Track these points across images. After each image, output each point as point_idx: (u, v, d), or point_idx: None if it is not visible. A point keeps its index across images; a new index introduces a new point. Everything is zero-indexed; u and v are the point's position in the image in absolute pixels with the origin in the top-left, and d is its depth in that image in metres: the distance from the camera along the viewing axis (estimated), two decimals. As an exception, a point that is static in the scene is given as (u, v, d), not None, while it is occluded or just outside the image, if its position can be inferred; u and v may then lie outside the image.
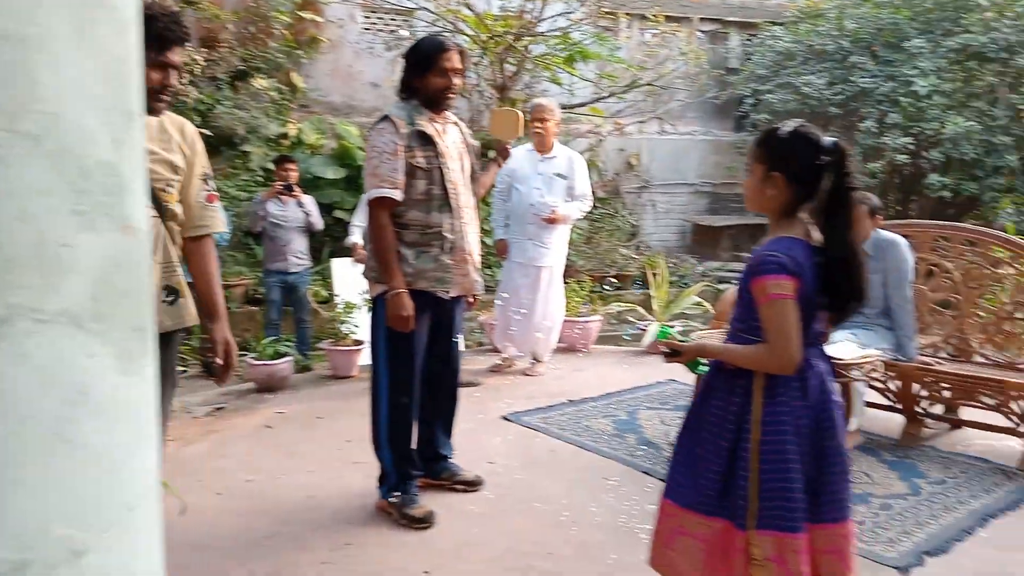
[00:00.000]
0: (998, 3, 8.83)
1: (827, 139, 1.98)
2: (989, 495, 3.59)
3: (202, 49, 8.37)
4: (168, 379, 2.40)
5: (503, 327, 5.67)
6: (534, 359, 5.68)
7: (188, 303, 2.39)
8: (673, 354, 2.16)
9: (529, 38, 8.21)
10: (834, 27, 9.90)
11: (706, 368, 2.16)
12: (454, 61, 3.16)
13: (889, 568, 2.91)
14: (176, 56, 2.18)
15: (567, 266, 8.46)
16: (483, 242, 8.90)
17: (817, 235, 2.01)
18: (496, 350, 6.21)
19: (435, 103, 3.19)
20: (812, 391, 1.99)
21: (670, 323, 6.16)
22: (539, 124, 5.26)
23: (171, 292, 2.31)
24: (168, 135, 2.30)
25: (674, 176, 11.77)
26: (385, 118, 3.15)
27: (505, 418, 4.63)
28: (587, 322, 6.46)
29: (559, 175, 5.31)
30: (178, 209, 2.34)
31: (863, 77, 9.24)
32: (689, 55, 10.07)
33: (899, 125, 8.83)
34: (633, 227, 11.13)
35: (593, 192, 10.51)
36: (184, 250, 2.42)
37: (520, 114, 3.69)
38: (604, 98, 9.45)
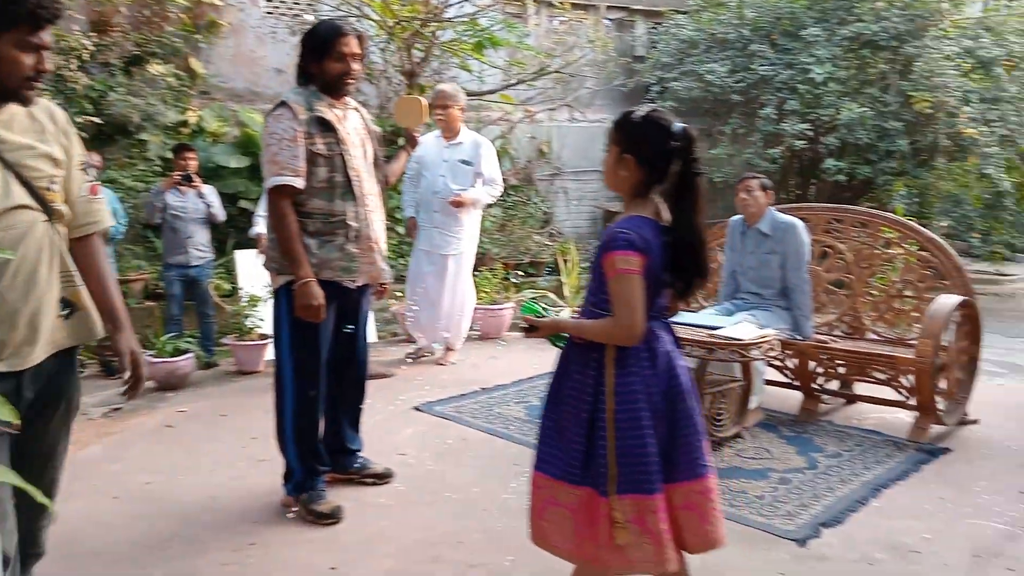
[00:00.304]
0: (888, -7, 9.20)
1: (677, 125, 2.05)
2: (881, 466, 3.76)
3: (91, 34, 7.98)
4: (67, 406, 2.14)
5: (414, 316, 5.63)
6: (447, 348, 5.65)
7: (89, 316, 2.10)
8: (531, 329, 2.24)
9: (436, 24, 8.12)
10: (735, 16, 10.13)
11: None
12: (352, 46, 3.09)
13: (787, 540, 3.01)
14: (49, 36, 1.97)
15: (481, 254, 8.47)
16: (395, 230, 8.82)
17: (667, 215, 2.10)
18: (410, 340, 6.17)
19: (333, 89, 3.12)
20: (660, 359, 2.09)
21: (534, 299, 6.22)
22: (440, 111, 5.23)
23: (67, 305, 2.04)
24: (40, 124, 2.00)
25: (585, 163, 11.86)
26: (282, 104, 3.06)
27: (417, 408, 4.60)
28: (500, 310, 6.47)
29: (464, 161, 5.27)
30: (64, 209, 2.05)
31: (763, 65, 9.49)
32: (596, 43, 10.15)
33: (797, 112, 9.11)
34: (546, 214, 11.18)
35: (505, 180, 10.53)
36: (70, 252, 2.11)
37: (423, 101, 3.66)
38: (513, 85, 9.44)
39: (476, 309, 6.04)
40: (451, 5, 8.11)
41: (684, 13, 10.98)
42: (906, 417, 4.27)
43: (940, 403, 4.12)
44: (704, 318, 4.04)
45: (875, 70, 9.24)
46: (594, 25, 10.48)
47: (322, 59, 3.07)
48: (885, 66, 9.20)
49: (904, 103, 8.92)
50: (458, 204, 5.21)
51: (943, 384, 4.14)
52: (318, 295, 3.02)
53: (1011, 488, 3.51)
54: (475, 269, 6.37)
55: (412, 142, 3.63)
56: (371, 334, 6.09)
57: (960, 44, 9.12)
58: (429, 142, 5.32)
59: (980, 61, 9.10)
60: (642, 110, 2.11)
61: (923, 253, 4.53)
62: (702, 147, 11.60)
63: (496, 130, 10.06)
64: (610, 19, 11.61)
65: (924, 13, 8.98)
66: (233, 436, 4.12)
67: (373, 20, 8.00)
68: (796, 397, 4.56)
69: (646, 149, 2.07)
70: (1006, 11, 10.12)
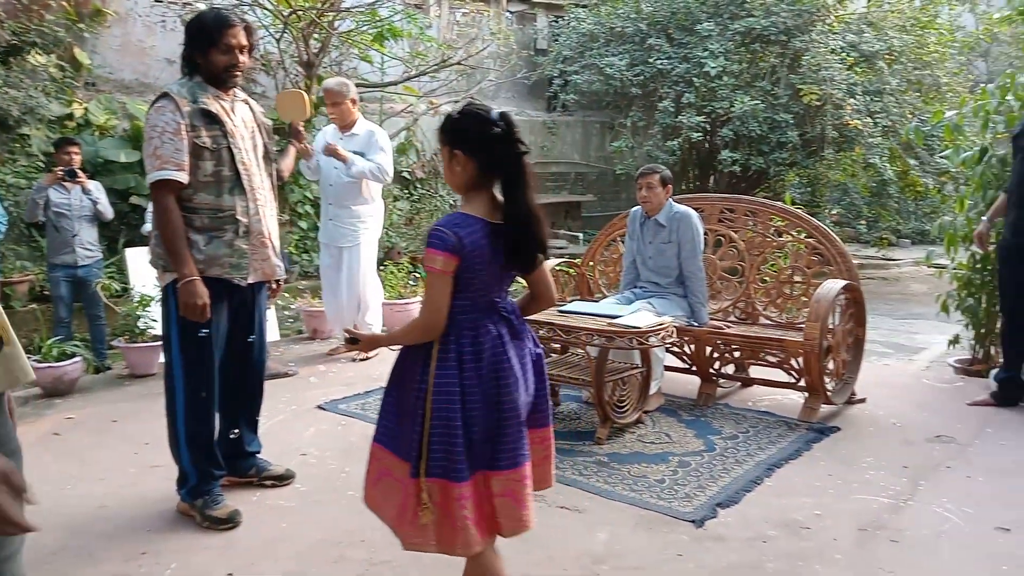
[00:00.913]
0: (776, -12, 9.53)
1: (495, 112, 2.12)
2: (774, 446, 3.90)
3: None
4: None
5: (327, 310, 5.62)
6: None
7: (15, 353, 1.61)
8: (352, 341, 2.38)
9: (334, 13, 7.97)
10: (632, 10, 10.32)
11: None
12: (239, 37, 3.00)
13: (686, 522, 3.09)
14: None
15: (388, 247, 8.37)
16: (298, 225, 8.60)
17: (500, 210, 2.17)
18: (313, 337, 6.07)
19: (219, 81, 3.01)
20: (486, 354, 2.15)
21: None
22: (331, 107, 5.15)
23: None
24: None
25: (490, 155, 11.91)
26: (164, 95, 2.94)
27: (320, 407, 4.52)
28: (407, 304, 6.41)
29: (356, 152, 5.19)
30: None
31: (660, 59, 9.70)
32: (499, 35, 10.17)
33: (693, 104, 9.35)
34: (453, 206, 11.16)
35: (412, 172, 10.46)
36: None
37: (304, 94, 3.64)
38: (415, 77, 9.37)
39: (383, 304, 5.95)
40: (349, -5, 7.98)
41: (584, 7, 11.12)
42: (797, 398, 4.44)
43: (829, 384, 4.30)
44: (603, 307, 4.10)
45: (766, 64, 9.57)
46: (496, 17, 10.50)
47: (207, 50, 2.97)
48: (775, 60, 9.53)
49: (793, 96, 9.26)
50: (331, 151, 5.04)
51: (831, 365, 4.32)
52: (202, 294, 2.92)
53: (895, 463, 3.69)
54: (381, 263, 6.29)
55: (298, 136, 3.61)
56: (272, 332, 5.97)
57: (844, 39, 9.54)
58: (328, 133, 5.25)
59: (863, 55, 9.54)
60: (460, 107, 2.21)
61: (810, 240, 4.71)
62: (603, 140, 11.76)
63: (400, 122, 9.96)
64: (511, 12, 11.64)
65: (811, 8, 9.34)
66: (124, 442, 3.96)
67: (268, 9, 7.80)
68: (694, 382, 4.68)
69: (470, 139, 2.13)
70: (887, 7, 10.64)
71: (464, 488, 2.12)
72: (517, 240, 2.13)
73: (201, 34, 2.98)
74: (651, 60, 9.77)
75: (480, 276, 2.13)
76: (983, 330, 5.23)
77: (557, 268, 5.08)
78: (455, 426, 2.11)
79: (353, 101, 5.21)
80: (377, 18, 8.35)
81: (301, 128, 3.56)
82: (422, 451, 2.14)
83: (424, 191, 10.49)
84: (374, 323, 5.56)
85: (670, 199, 4.52)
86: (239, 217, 3.04)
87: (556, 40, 11.33)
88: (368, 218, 5.35)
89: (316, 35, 7.96)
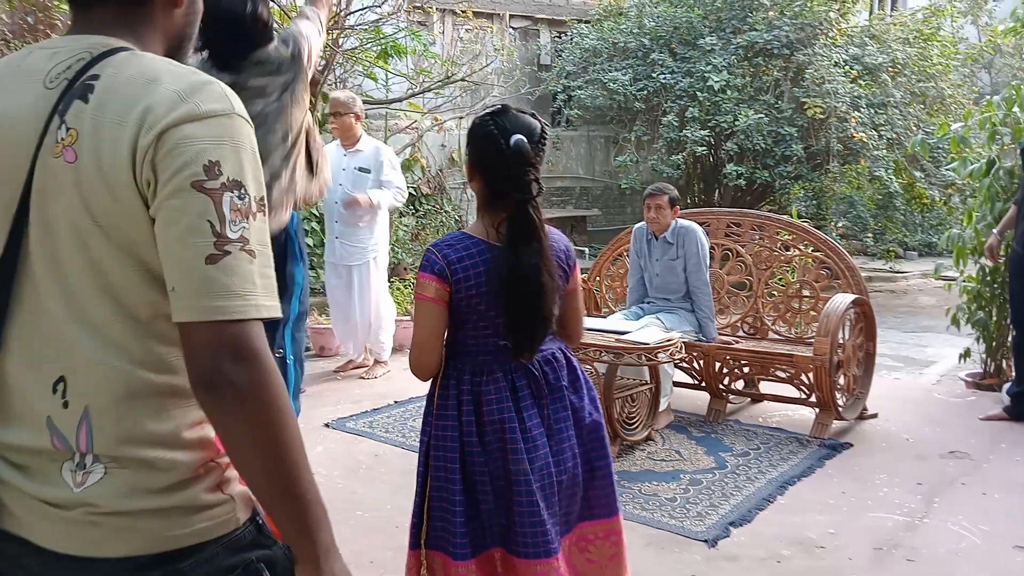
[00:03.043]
0: (779, 3, 9.54)
1: (514, 137, 1.79)
2: (786, 463, 3.86)
3: (-31, 42, 7.54)
4: None
5: (335, 330, 5.61)
6: (375, 361, 5.56)
7: None
8: None
9: (338, 31, 7.99)
10: (635, 25, 10.33)
11: None
12: None
13: (698, 541, 3.05)
14: None
15: (394, 264, 8.36)
16: (307, 243, 8.61)
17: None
18: (318, 355, 6.05)
19: None
20: (487, 408, 1.82)
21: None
22: (334, 120, 5.16)
23: None
24: None
25: (494, 171, 11.92)
26: None
27: (327, 425, 4.49)
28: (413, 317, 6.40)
29: (361, 169, 5.17)
30: None
31: (663, 73, 9.70)
32: (502, 51, 10.19)
33: (697, 119, 9.34)
34: (459, 222, 11.16)
35: (417, 188, 10.48)
36: None
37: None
38: (419, 93, 9.38)
39: None
40: (352, 13, 8.01)
41: (586, 22, 11.15)
42: (809, 414, 4.40)
43: (840, 399, 4.26)
44: (611, 323, 4.08)
45: (769, 77, 9.57)
46: (499, 34, 10.53)
47: None
48: (779, 73, 9.53)
49: (797, 109, 9.25)
50: (351, 204, 5.08)
51: (842, 380, 4.28)
52: None
53: (909, 480, 3.65)
54: (387, 279, 6.28)
55: None
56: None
57: (848, 52, 9.54)
58: (331, 151, 5.22)
59: (867, 68, 9.53)
60: (487, 112, 1.89)
61: (817, 254, 4.69)
62: (607, 155, 11.72)
63: (405, 138, 9.98)
64: (514, 28, 11.69)
65: (813, 22, 9.35)
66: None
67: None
68: (704, 398, 4.64)
69: (479, 158, 1.86)
70: (890, 20, 10.65)
71: (465, 568, 1.79)
72: (511, 288, 1.78)
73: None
74: (654, 75, 9.77)
75: (479, 309, 1.81)
76: (994, 343, 5.19)
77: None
78: (453, 489, 1.80)
79: (357, 117, 5.21)
80: (381, 36, 8.37)
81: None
82: (424, 516, 1.86)
83: (429, 207, 10.50)
84: (387, 341, 5.55)
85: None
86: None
87: (559, 55, 11.35)
88: (376, 235, 5.34)
89: (321, 53, 7.99)
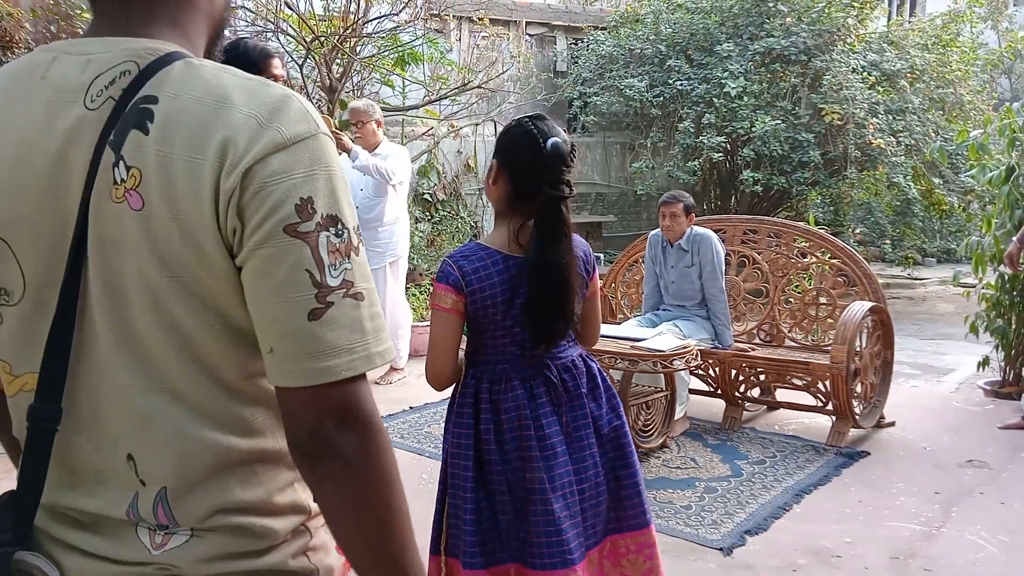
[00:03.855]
0: (796, 9, 9.51)
1: (552, 140, 1.83)
2: (803, 471, 3.84)
3: (-8, 51, 7.64)
4: None
5: None
6: (391, 367, 5.58)
7: None
8: None
9: (355, 39, 8.06)
10: (651, 32, 10.33)
11: None
12: (279, 68, 3.06)
13: (713, 550, 3.04)
14: None
15: (410, 270, 8.40)
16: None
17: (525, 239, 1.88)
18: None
19: None
20: (506, 416, 1.83)
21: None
22: (356, 128, 5.20)
23: None
24: None
25: (510, 177, 11.94)
26: None
27: (343, 431, 4.51)
28: (429, 326, 6.41)
29: None
30: None
31: (680, 80, 9.69)
32: (518, 58, 10.23)
33: (714, 125, 9.32)
34: (474, 228, 11.18)
35: (433, 194, 10.53)
36: None
37: (328, 118, 3.65)
38: (435, 100, 9.43)
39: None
40: (369, 21, 8.06)
41: (603, 29, 11.16)
42: (825, 422, 4.38)
43: (857, 407, 4.24)
44: (627, 330, 4.08)
45: (786, 83, 9.53)
46: (515, 41, 10.56)
47: None
48: (796, 80, 9.49)
49: (815, 115, 9.22)
50: (336, 139, 4.96)
51: (859, 388, 4.26)
52: None
53: (927, 489, 3.63)
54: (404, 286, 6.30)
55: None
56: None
57: (865, 58, 9.49)
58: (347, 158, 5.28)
59: (885, 74, 9.48)
60: (524, 116, 1.91)
61: (834, 261, 4.67)
62: (623, 161, 11.71)
63: (422, 145, 10.02)
64: (531, 35, 11.72)
65: (831, 28, 9.31)
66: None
67: (291, 35, 7.90)
68: (720, 405, 4.63)
69: (511, 159, 1.87)
70: (908, 25, 10.58)
71: None
72: (537, 291, 1.81)
73: (248, 66, 3.02)
74: (671, 81, 9.76)
75: (495, 319, 1.83)
76: (1013, 351, 5.14)
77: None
78: (465, 497, 1.81)
79: (378, 123, 5.25)
80: (398, 43, 8.43)
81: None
82: (443, 523, 1.88)
83: (445, 213, 10.53)
84: (403, 348, 5.56)
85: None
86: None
87: (575, 62, 11.36)
88: (395, 237, 5.36)
89: (338, 60, 8.04)
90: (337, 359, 0.83)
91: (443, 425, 2.05)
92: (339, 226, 0.85)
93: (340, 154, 5.04)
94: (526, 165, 1.84)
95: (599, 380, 1.96)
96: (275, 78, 3.06)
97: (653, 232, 4.63)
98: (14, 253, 0.88)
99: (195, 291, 0.85)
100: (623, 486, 1.91)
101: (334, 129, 4.46)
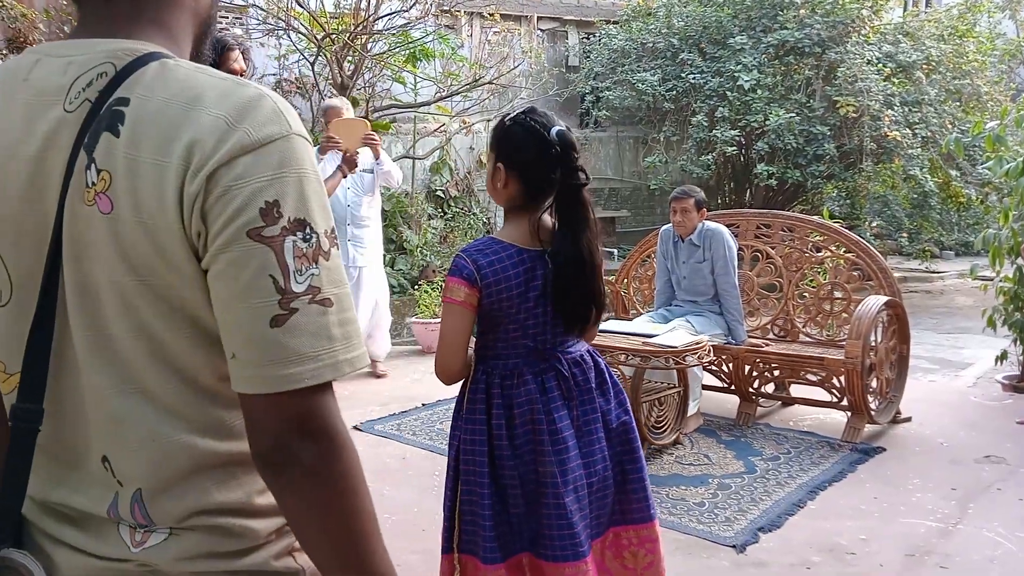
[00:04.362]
0: (810, 1, 9.43)
1: (555, 129, 1.82)
2: (817, 468, 3.81)
3: (6, 52, 7.71)
4: None
5: None
6: (373, 360, 5.62)
7: None
8: None
9: (366, 36, 8.06)
10: (664, 25, 10.27)
11: None
12: (238, 61, 3.05)
13: (726, 547, 3.02)
14: None
15: (423, 266, 8.41)
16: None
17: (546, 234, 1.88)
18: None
19: None
20: (518, 411, 1.84)
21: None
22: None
23: None
24: None
25: (523, 172, 11.91)
26: None
27: (356, 428, 4.52)
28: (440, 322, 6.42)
29: (366, 171, 5.23)
30: None
31: (692, 73, 9.64)
32: (530, 53, 10.20)
33: (727, 118, 9.26)
34: (487, 225, 11.17)
35: (446, 191, 10.53)
36: None
37: (367, 123, 3.63)
38: (447, 96, 9.42)
39: (417, 322, 6.18)
40: (380, 18, 8.06)
41: (615, 23, 11.11)
42: (840, 417, 4.34)
43: (872, 403, 4.20)
44: (639, 326, 4.06)
45: (800, 76, 9.45)
46: (527, 36, 10.53)
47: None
48: (810, 72, 9.42)
49: (829, 108, 9.14)
50: (370, 142, 4.82)
51: (874, 384, 4.22)
52: None
53: (943, 485, 3.59)
54: (415, 282, 6.33)
55: (351, 164, 3.58)
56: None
57: (880, 49, 9.39)
58: (332, 157, 5.31)
59: (900, 65, 9.38)
60: (515, 113, 1.88)
61: (849, 255, 4.62)
62: (636, 156, 11.66)
63: (434, 141, 10.02)
64: (542, 30, 11.68)
65: (845, 20, 9.22)
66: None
67: (302, 33, 7.91)
68: (733, 401, 4.60)
69: (519, 158, 1.84)
70: (924, 16, 10.47)
71: (495, 573, 1.80)
72: (563, 285, 1.81)
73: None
74: (683, 75, 9.71)
75: (510, 313, 1.82)
76: (1032, 346, 5.08)
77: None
78: (483, 493, 1.81)
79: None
80: (410, 40, 8.42)
81: (355, 155, 3.56)
82: (455, 520, 1.88)
83: (458, 209, 10.52)
84: (385, 341, 5.65)
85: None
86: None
87: (587, 57, 11.32)
88: (378, 235, 5.50)
89: (350, 57, 8.05)
90: (300, 367, 0.82)
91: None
92: (307, 230, 0.83)
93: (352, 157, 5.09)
94: (535, 161, 1.82)
95: (607, 375, 1.95)
96: (233, 71, 3.05)
97: (664, 227, 4.60)
98: (0, 254, 0.89)
99: (164, 295, 0.84)
100: (629, 480, 1.91)
101: (368, 131, 4.43)
